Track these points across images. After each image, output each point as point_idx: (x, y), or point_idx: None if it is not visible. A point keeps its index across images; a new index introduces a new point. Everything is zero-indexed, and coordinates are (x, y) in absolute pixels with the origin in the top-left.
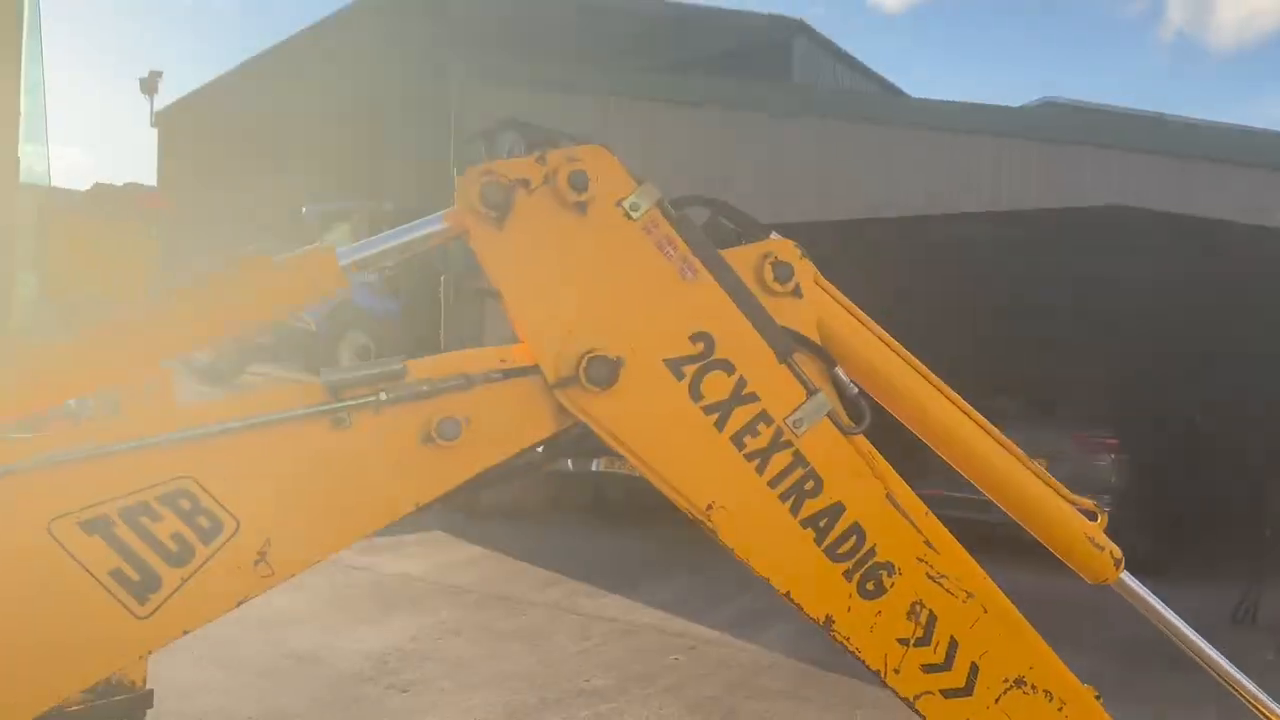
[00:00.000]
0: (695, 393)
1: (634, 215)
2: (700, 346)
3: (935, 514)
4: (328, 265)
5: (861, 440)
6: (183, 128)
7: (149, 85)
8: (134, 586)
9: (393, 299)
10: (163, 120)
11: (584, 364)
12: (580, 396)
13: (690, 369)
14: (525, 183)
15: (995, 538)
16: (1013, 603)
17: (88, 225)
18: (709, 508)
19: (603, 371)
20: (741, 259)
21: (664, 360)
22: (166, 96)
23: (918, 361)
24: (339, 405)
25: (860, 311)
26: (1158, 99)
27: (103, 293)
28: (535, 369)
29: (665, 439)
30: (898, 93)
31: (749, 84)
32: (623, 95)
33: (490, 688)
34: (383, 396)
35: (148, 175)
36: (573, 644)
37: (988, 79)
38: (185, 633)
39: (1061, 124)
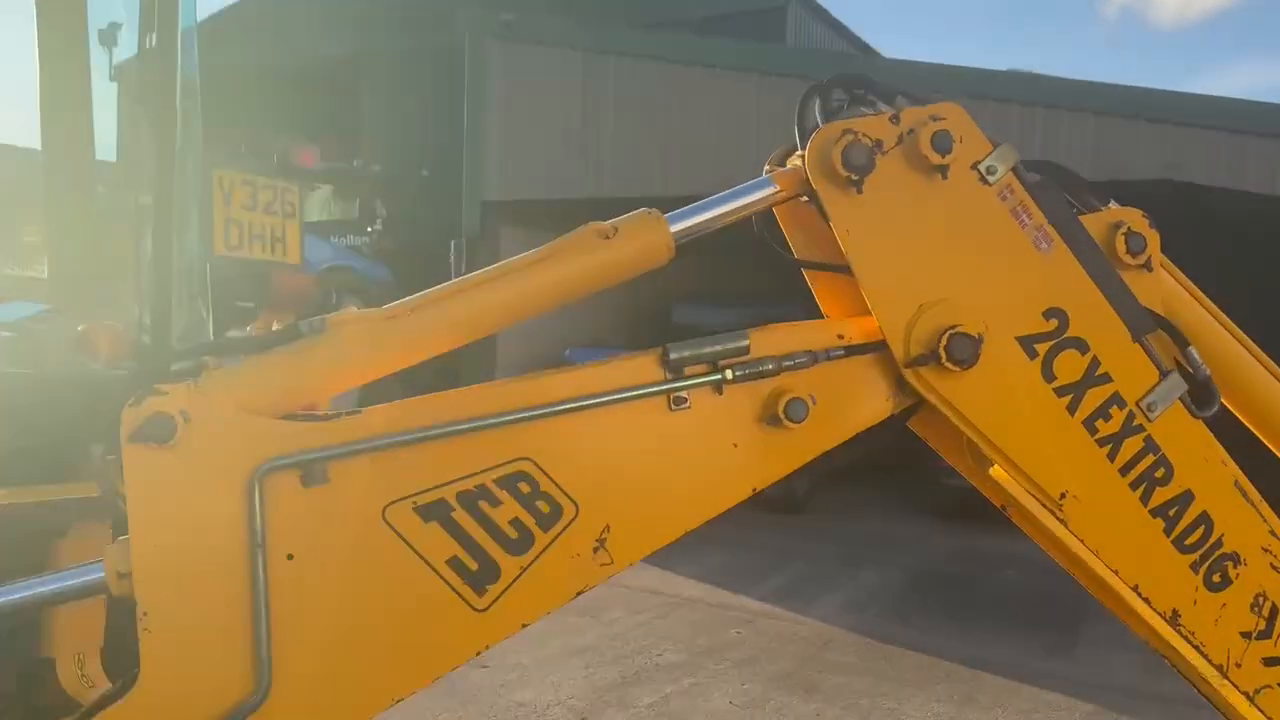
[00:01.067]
0: (1048, 373)
1: (990, 180)
2: (1054, 323)
3: None
4: (661, 233)
5: (1203, 425)
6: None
7: (107, 37)
8: (473, 576)
9: (383, 265)
10: (124, 74)
11: (945, 341)
12: (935, 376)
13: (1043, 347)
14: (879, 144)
15: None
16: None
17: (248, 182)
18: (1062, 497)
19: (965, 350)
20: (1089, 229)
21: (1016, 338)
22: (126, 49)
23: (1256, 347)
24: (681, 385)
25: (1197, 289)
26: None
27: (266, 249)
28: (878, 345)
29: (1018, 423)
30: (876, 56)
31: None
32: (667, 60)
33: (567, 662)
34: (729, 375)
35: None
36: (629, 616)
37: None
38: (522, 627)
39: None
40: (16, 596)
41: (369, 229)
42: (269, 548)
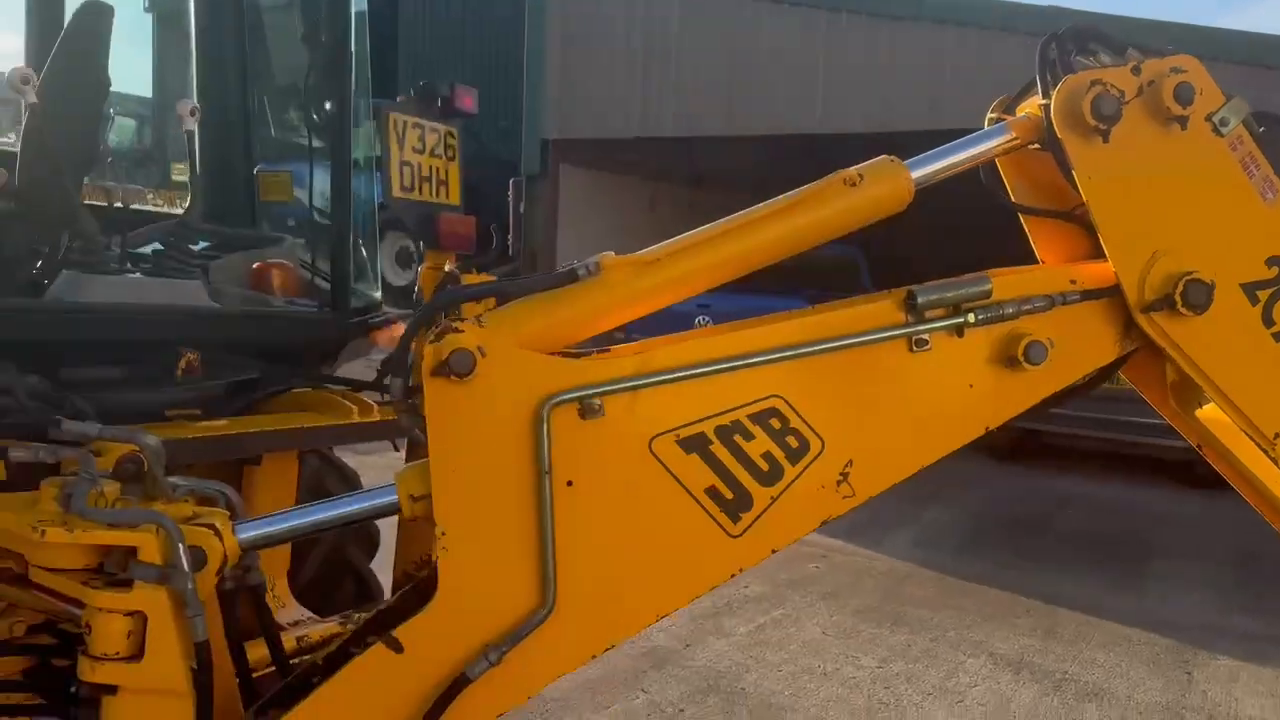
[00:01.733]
0: (1267, 318)
1: (1223, 131)
2: (1275, 271)
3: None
4: (903, 180)
5: None
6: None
7: None
8: (728, 505)
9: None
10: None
11: (1180, 287)
12: (1168, 321)
13: (1264, 294)
14: (1122, 94)
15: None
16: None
17: (417, 125)
18: (1276, 436)
19: (1199, 296)
20: None
21: (1241, 284)
22: None
23: None
24: (924, 328)
25: None
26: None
27: (432, 191)
28: (1111, 290)
29: (1240, 365)
30: None
31: None
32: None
33: None
34: (971, 318)
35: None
36: None
37: None
38: (772, 552)
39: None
40: (320, 516)
41: None
42: (553, 475)
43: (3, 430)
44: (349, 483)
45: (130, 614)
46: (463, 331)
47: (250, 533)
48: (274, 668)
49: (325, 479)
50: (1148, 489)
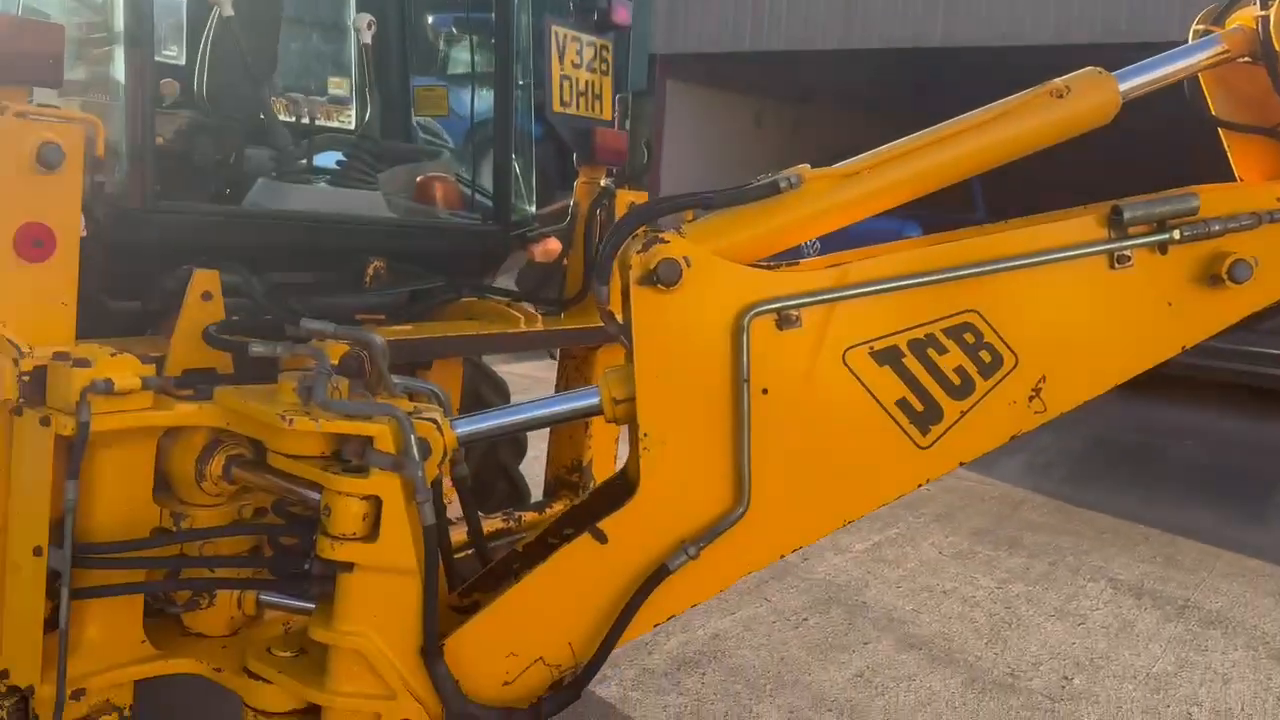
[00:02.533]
0: None
1: None
2: None
3: None
4: (1110, 92)
5: None
6: None
7: None
8: (917, 417)
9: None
10: None
11: None
12: None
13: None
14: None
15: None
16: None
17: (576, 39)
18: None
19: None
20: None
21: None
22: None
23: None
24: (1127, 244)
25: None
26: None
27: (588, 106)
28: None
29: None
30: None
31: None
32: None
33: None
34: (1176, 235)
35: None
36: None
37: None
38: (959, 464)
39: None
40: (527, 415)
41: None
42: (750, 383)
43: (233, 326)
44: (499, 390)
45: (366, 498)
46: (669, 242)
47: (466, 428)
48: (472, 552)
49: (480, 386)
50: (1271, 423)
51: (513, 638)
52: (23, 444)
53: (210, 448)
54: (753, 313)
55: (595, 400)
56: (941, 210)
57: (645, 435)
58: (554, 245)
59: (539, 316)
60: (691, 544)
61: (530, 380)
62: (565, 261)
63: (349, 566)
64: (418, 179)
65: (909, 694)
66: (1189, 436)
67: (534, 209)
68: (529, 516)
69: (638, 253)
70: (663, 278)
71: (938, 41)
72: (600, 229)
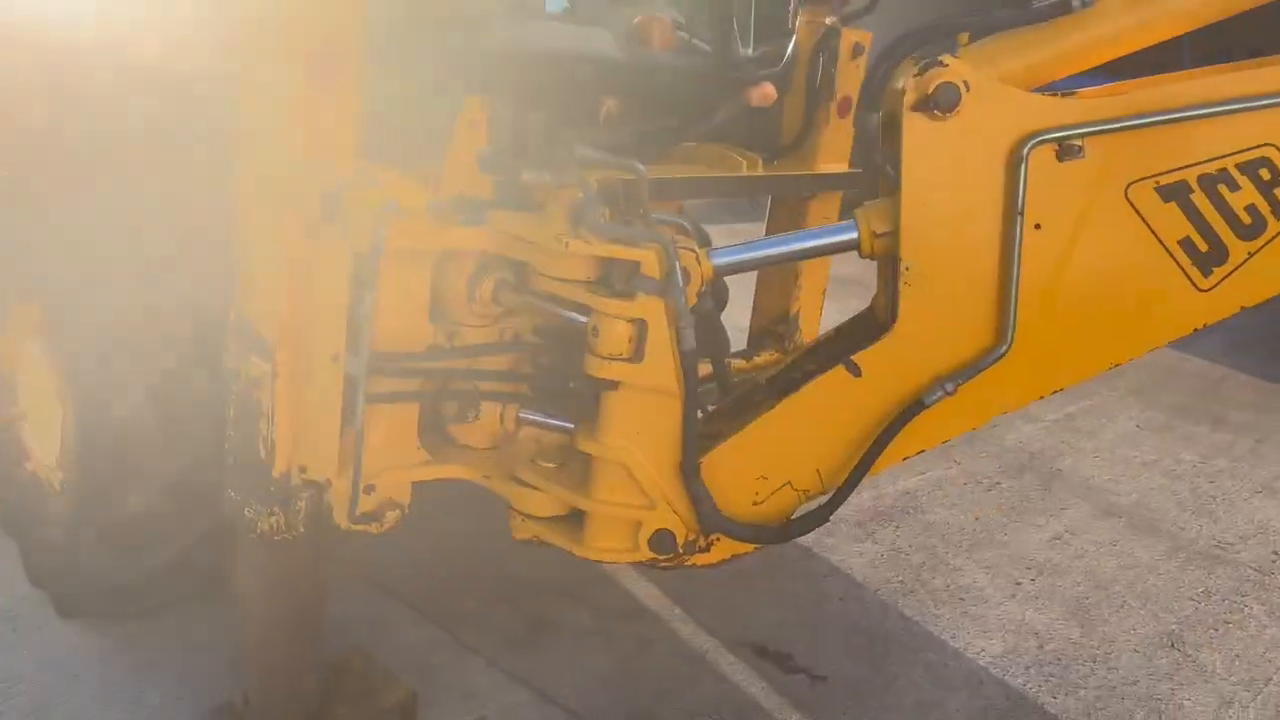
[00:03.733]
0: None
1: None
2: None
3: None
4: None
5: None
6: None
7: None
8: (1201, 258)
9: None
10: None
11: None
12: None
13: None
14: None
15: None
16: None
17: None
18: None
19: None
20: None
21: None
22: None
23: None
24: None
25: None
26: None
27: None
28: None
29: None
30: None
31: None
32: None
33: None
34: None
35: None
36: None
37: None
38: (1240, 309)
39: None
40: (784, 248)
41: None
42: (1024, 216)
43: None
44: (704, 237)
45: (633, 321)
46: (947, 65)
47: (723, 259)
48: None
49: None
50: None
51: (764, 461)
52: (322, 261)
53: (480, 271)
54: (1033, 141)
55: (853, 234)
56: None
57: (907, 268)
58: (769, 90)
59: (759, 161)
60: (949, 379)
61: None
62: (779, 106)
63: (614, 385)
64: (635, 19)
65: (1110, 558)
66: None
67: (750, 51)
68: (736, 365)
69: (914, 76)
70: (940, 103)
71: None
72: (823, 70)
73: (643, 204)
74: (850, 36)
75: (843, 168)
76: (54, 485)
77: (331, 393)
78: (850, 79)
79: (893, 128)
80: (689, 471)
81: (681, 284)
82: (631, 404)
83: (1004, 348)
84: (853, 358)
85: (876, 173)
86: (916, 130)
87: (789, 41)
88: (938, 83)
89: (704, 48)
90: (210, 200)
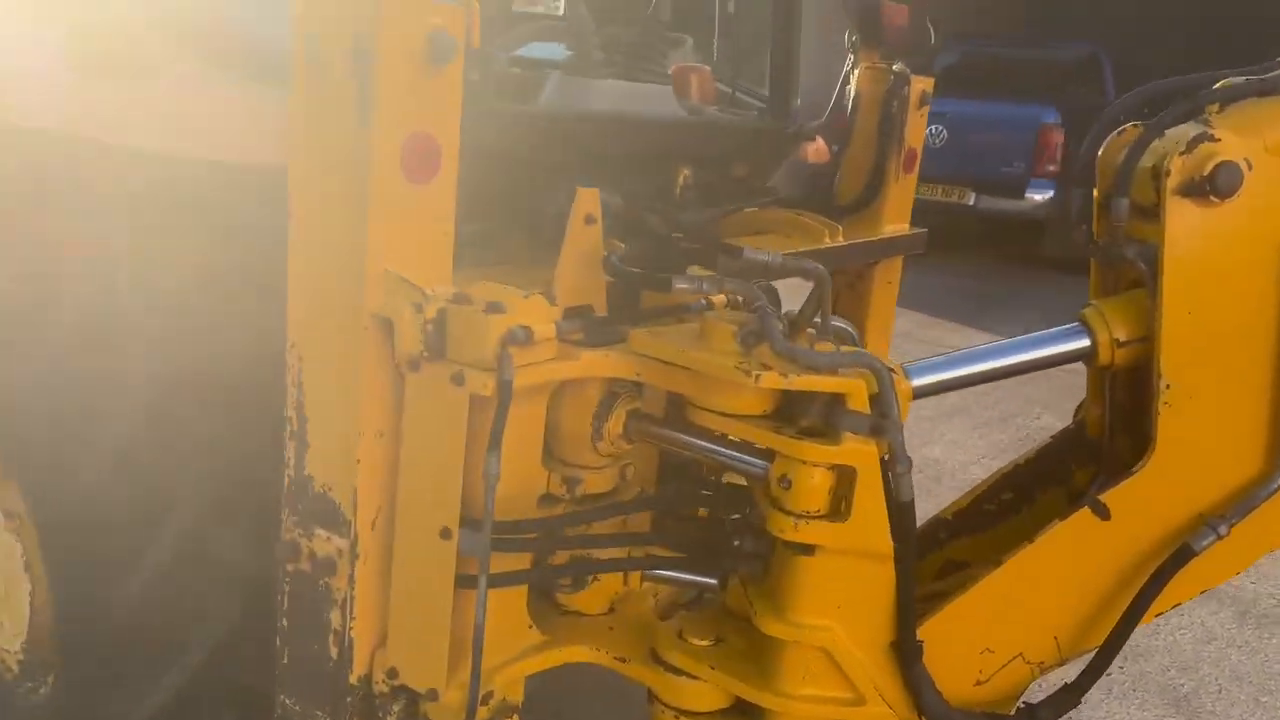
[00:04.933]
0: None
1: None
2: None
3: None
4: None
5: None
6: None
7: None
8: None
9: None
10: None
11: None
12: None
13: None
14: None
15: None
16: None
17: None
18: None
19: None
20: None
21: None
22: None
23: None
24: None
25: None
26: None
27: None
28: None
29: None
30: None
31: None
32: None
33: (952, 423)
34: None
35: None
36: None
37: None
38: None
39: None
40: (995, 363)
41: None
42: None
43: (630, 256)
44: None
45: (837, 469)
46: (1220, 140)
47: (924, 379)
48: None
49: None
50: None
51: (988, 630)
52: (425, 407)
53: (608, 401)
54: None
55: (1084, 342)
56: (1071, 90)
57: (1169, 386)
58: (823, 145)
59: (839, 228)
60: (1220, 520)
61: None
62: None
63: (809, 549)
64: (670, 68)
65: (1184, 631)
66: None
67: (798, 102)
68: None
69: (1180, 154)
70: (1219, 186)
71: None
72: (893, 122)
73: (828, 316)
74: (918, 84)
75: (906, 228)
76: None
77: (440, 578)
78: (917, 130)
79: (1142, 214)
80: (909, 654)
81: (899, 419)
82: (833, 572)
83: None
84: (1100, 498)
85: (1110, 265)
86: (1184, 218)
87: (835, 91)
88: (1215, 162)
89: (748, 99)
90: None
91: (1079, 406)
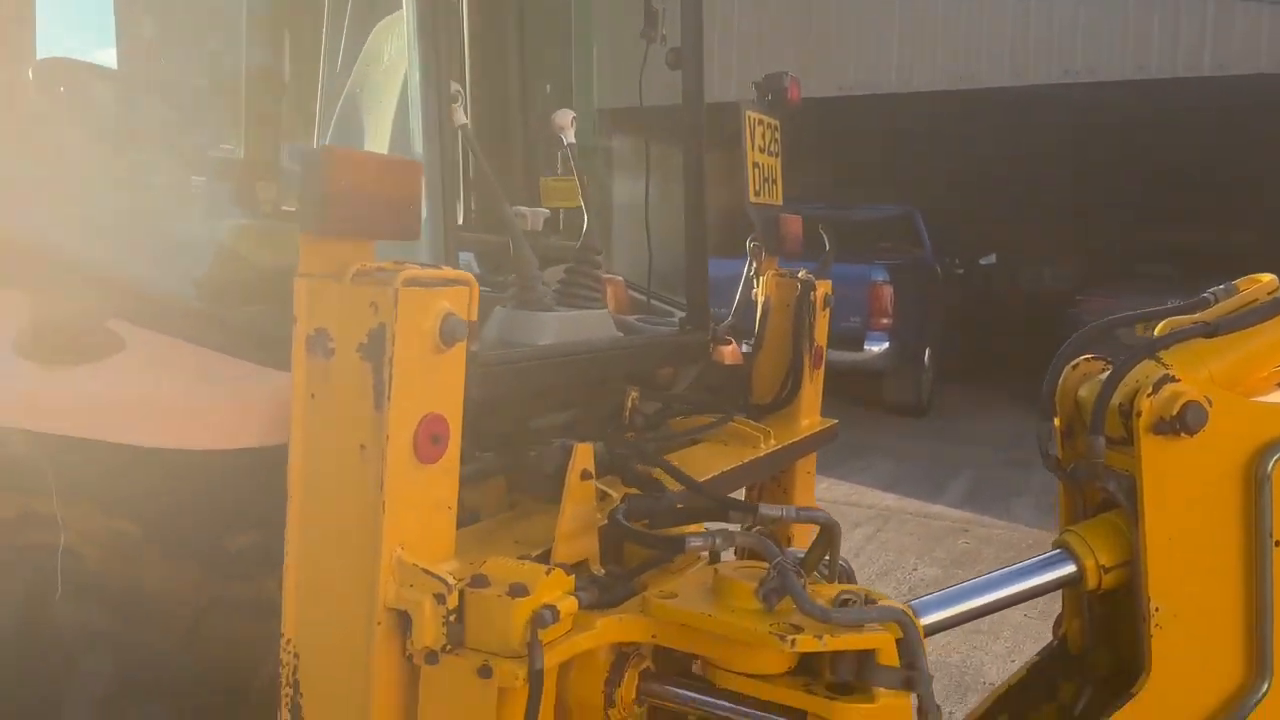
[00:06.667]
0: None
1: None
2: None
3: None
4: None
5: None
6: None
7: None
8: None
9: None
10: None
11: None
12: None
13: None
14: None
15: None
16: None
17: (762, 122)
18: None
19: None
20: None
21: None
22: None
23: None
24: None
25: None
26: None
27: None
28: None
29: None
30: None
31: None
32: None
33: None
34: None
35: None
36: (853, 529)
37: None
38: None
39: None
40: (988, 597)
41: None
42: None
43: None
44: None
45: None
46: (1180, 381)
47: (933, 615)
48: None
49: None
50: None
51: None
52: (446, 702)
53: (619, 664)
54: (1276, 456)
55: (1070, 568)
56: (895, 254)
57: (1158, 609)
58: (735, 348)
59: (769, 432)
60: None
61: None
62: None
63: None
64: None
65: None
66: None
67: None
68: None
69: (1148, 395)
70: (1188, 424)
71: (893, 87)
72: (805, 323)
73: (835, 562)
74: (820, 288)
75: (818, 421)
76: None
77: None
78: (822, 329)
79: (1110, 444)
80: None
81: (928, 671)
82: None
83: (1264, 687)
84: None
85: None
86: (1158, 453)
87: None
88: (1182, 402)
89: (659, 305)
90: None
91: (1057, 621)
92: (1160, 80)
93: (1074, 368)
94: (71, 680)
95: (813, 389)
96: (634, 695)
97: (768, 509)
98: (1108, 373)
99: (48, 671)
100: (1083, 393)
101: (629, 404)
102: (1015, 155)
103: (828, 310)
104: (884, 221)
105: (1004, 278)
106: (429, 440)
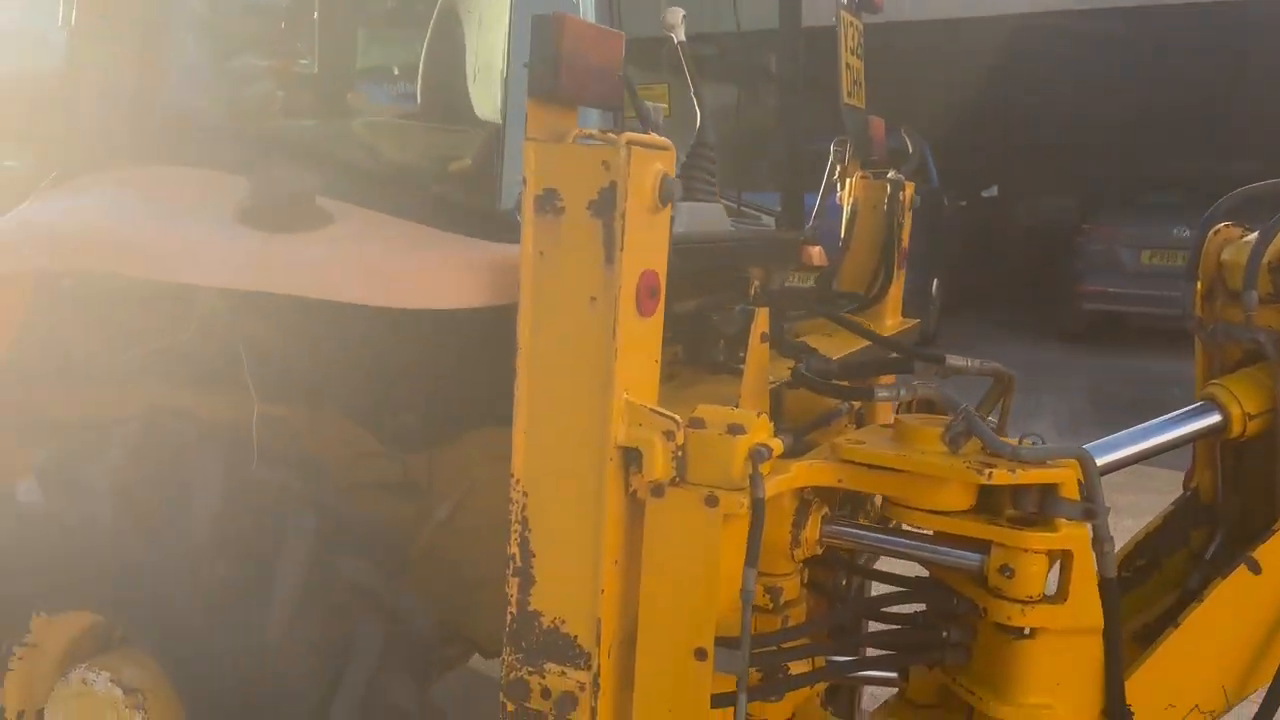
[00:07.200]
0: None
1: None
2: None
3: None
4: None
5: None
6: None
7: None
8: None
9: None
10: None
11: None
12: None
13: None
14: None
15: None
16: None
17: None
18: None
19: None
20: None
21: None
22: None
23: None
24: None
25: None
26: None
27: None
28: None
29: None
30: None
31: None
32: None
33: None
34: None
35: None
36: None
37: None
38: None
39: None
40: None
41: None
42: None
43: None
44: None
45: (1055, 554)
46: None
47: (1106, 457)
48: None
49: None
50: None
51: (1170, 688)
52: (674, 530)
53: (803, 509)
54: None
55: (1215, 418)
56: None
57: None
58: (822, 249)
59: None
60: None
61: None
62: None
63: (1029, 632)
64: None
65: None
66: (1174, 385)
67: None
68: None
69: None
70: None
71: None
72: (896, 224)
73: (1008, 413)
74: (908, 189)
75: (900, 321)
76: None
77: (696, 699)
78: (908, 231)
79: (1262, 304)
80: (1120, 717)
81: (1104, 501)
82: (1051, 652)
83: None
84: (1252, 555)
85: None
86: None
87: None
88: None
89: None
90: None
91: (1188, 474)
92: (1160, 6)
93: (1215, 233)
94: (282, 541)
95: (897, 289)
96: (817, 535)
97: (954, 359)
98: (1250, 236)
99: (259, 533)
100: (1225, 255)
101: (754, 287)
102: (1014, 87)
103: (910, 213)
104: (891, 154)
105: (1005, 210)
106: (647, 294)
